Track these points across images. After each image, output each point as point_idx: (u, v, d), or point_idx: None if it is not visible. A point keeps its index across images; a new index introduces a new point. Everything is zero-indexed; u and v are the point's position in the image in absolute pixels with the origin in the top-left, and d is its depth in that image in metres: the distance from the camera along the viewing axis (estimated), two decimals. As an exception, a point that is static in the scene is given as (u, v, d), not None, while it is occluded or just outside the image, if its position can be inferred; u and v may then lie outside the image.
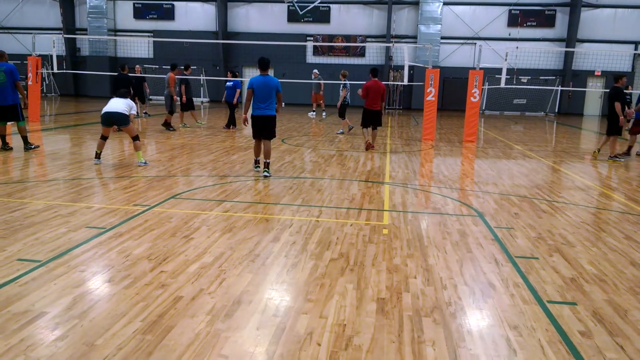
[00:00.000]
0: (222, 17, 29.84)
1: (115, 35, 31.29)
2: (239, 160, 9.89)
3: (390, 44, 23.37)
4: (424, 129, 14.54)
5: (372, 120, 11.87)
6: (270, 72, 8.75)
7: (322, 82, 20.28)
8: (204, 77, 28.25)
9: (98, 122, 11.92)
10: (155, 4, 30.78)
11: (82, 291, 3.77)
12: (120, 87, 13.10)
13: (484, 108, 28.18)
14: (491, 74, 25.40)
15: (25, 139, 10.18)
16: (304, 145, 12.46)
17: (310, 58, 30.21)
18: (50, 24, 31.31)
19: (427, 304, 3.74)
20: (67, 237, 5.02)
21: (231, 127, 15.55)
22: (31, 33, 21.98)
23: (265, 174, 8.34)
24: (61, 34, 30.53)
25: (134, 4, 30.98)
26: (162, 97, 18.86)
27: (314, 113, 21.34)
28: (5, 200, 6.25)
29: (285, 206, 6.47)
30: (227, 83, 15.70)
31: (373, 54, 29.50)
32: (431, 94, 14.25)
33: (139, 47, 31.21)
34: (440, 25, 28.42)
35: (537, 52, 26.93)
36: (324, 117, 20.99)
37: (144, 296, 3.70)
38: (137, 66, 19.93)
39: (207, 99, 29.97)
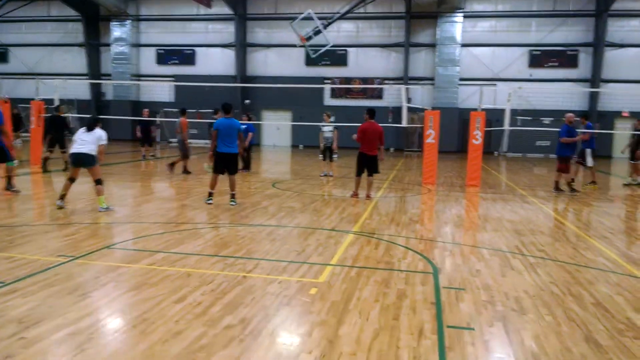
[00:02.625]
0: (241, 61, 30.21)
1: (139, 80, 32.05)
2: (212, 206, 9.43)
3: (406, 86, 22.97)
4: (424, 172, 13.86)
5: (367, 166, 10.68)
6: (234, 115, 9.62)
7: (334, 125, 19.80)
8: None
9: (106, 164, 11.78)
10: (177, 49, 31.48)
11: None
12: (55, 129, 13.72)
13: (505, 150, 27.26)
14: (512, 115, 24.65)
15: (8, 179, 10.04)
16: (292, 190, 11.95)
17: (328, 100, 30.08)
18: (78, 69, 32.37)
19: (300, 390, 3.09)
20: (-48, 294, 4.60)
21: (244, 170, 15.01)
22: (60, 78, 22.62)
23: (232, 203, 9.36)
24: (87, 78, 31.59)
25: (156, 50, 31.77)
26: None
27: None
28: None
29: (221, 259, 5.92)
30: (241, 126, 15.37)
31: (390, 95, 29.12)
32: (431, 137, 13.63)
33: (161, 91, 31.82)
34: (458, 67, 27.98)
35: (560, 92, 26.03)
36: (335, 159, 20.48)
37: (-30, 372, 3.19)
38: (145, 110, 20.06)
39: (224, 142, 30.05)
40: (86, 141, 8.57)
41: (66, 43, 32.48)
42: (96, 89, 32.13)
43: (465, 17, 28.01)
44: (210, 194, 9.58)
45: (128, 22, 31.13)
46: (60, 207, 8.56)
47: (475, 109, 13.91)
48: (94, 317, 4.12)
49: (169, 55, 31.65)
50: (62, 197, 8.72)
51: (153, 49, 31.83)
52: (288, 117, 30.12)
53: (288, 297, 4.72)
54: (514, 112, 23.23)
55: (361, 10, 27.86)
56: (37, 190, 11.36)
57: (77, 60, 32.31)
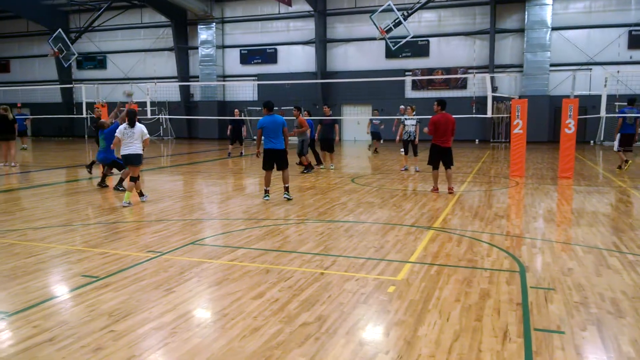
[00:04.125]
0: (321, 57, 30.39)
1: (224, 80, 33.19)
2: (292, 202, 9.54)
3: (492, 74, 22.06)
4: (512, 164, 13.21)
5: (443, 159, 10.42)
6: (276, 112, 9.97)
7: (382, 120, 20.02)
8: (306, 117, 28.71)
9: (189, 163, 12.40)
10: (260, 49, 32.26)
11: (11, 352, 3.56)
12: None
13: (601, 139, 25.44)
14: (610, 101, 22.92)
15: (120, 180, 10.91)
16: (372, 185, 11.84)
17: (409, 93, 29.56)
18: (168, 73, 34.09)
19: (375, 392, 3.02)
20: (53, 287, 4.97)
21: (318, 165, 15.15)
22: (152, 82, 23.95)
23: (286, 196, 9.62)
24: (177, 81, 33.17)
25: (240, 50, 32.74)
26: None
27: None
28: (33, 244, 6.44)
29: (299, 255, 5.95)
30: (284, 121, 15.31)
31: (475, 85, 28.06)
32: (518, 127, 12.96)
33: (245, 91, 32.77)
34: (549, 52, 26.43)
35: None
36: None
37: (65, 361, 3.40)
38: (236, 110, 20.62)
39: (306, 138, 30.41)
40: (132, 141, 9.04)
41: (157, 48, 34.29)
42: (185, 91, 33.65)
43: (555, -1, 26.39)
44: (266, 191, 9.73)
45: (213, 24, 32.30)
46: (144, 201, 9.30)
47: (567, 96, 13.04)
48: (177, 312, 4.27)
49: (252, 55, 32.51)
50: (141, 193, 9.46)
51: (237, 49, 32.83)
52: (368, 111, 29.92)
53: (365, 294, 4.65)
54: (612, 98, 21.59)
55: (443, -2, 27.06)
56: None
57: (168, 63, 34.02)
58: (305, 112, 15.69)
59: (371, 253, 6.03)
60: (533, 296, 4.60)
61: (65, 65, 32.34)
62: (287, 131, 9.52)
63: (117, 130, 9.22)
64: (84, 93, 18.92)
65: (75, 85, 30.96)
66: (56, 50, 29.71)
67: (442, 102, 10.52)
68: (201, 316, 4.27)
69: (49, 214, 8.47)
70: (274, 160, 9.58)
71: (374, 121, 20.04)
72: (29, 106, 35.89)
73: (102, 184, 11.34)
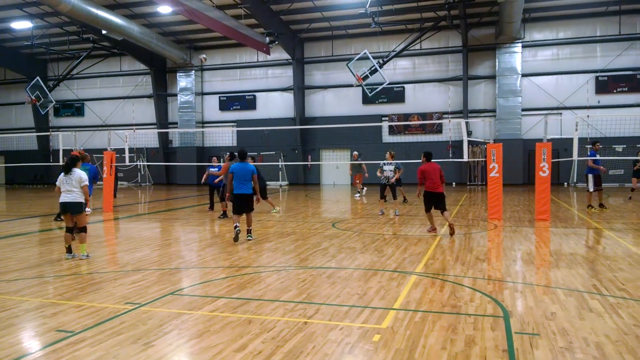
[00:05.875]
0: (300, 103, 30.86)
1: (203, 126, 33.33)
2: (272, 248, 9.47)
3: (466, 119, 22.59)
4: (489, 207, 13.39)
5: (436, 203, 10.93)
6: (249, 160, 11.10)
7: (363, 163, 20.03)
8: (282, 163, 28.91)
9: (167, 210, 12.25)
10: (239, 96, 32.66)
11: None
12: None
13: (574, 181, 26.02)
14: (581, 144, 23.60)
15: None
16: (352, 229, 11.83)
17: (386, 138, 30.06)
18: (147, 119, 34.14)
19: None
20: (27, 343, 4.78)
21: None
22: (130, 129, 23.92)
23: (249, 238, 10.35)
24: (156, 127, 33.20)
25: (219, 97, 33.08)
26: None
27: (359, 194, 21.18)
28: (6, 298, 6.22)
29: (282, 304, 5.85)
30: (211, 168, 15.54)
31: (451, 130, 28.71)
32: (494, 170, 13.22)
33: (224, 137, 32.91)
34: (520, 97, 27.33)
35: (633, 118, 24.72)
36: (363, 194, 21.17)
37: None
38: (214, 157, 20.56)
39: (286, 182, 30.49)
40: (70, 189, 8.57)
41: (137, 95, 34.48)
42: (164, 137, 33.66)
43: (524, 46, 27.51)
44: (236, 226, 10.13)
45: (193, 72, 32.70)
46: (70, 259, 8.58)
47: (540, 140, 13.40)
48: (157, 366, 4.13)
49: (231, 101, 32.86)
50: (69, 249, 8.68)
51: (216, 96, 33.18)
52: (347, 155, 30.23)
53: (350, 344, 4.57)
54: (583, 141, 22.29)
55: (417, 47, 27.97)
56: (109, 236, 11.84)
57: (147, 110, 34.15)
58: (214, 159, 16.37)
59: (355, 300, 5.97)
60: (518, 342, 4.58)
61: (43, 113, 32.25)
62: (256, 178, 10.30)
63: (58, 179, 8.77)
64: (61, 140, 18.77)
65: (52, 133, 30.73)
66: (33, 98, 29.67)
67: (427, 154, 11.20)
68: (182, 371, 4.14)
69: (22, 264, 8.23)
70: (243, 203, 10.29)
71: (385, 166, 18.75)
72: (4, 154, 35.44)
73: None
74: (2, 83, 37.40)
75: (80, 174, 8.69)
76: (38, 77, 30.17)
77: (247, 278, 7.19)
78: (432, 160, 11.04)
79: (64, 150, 18.74)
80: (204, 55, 24.91)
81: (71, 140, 19.85)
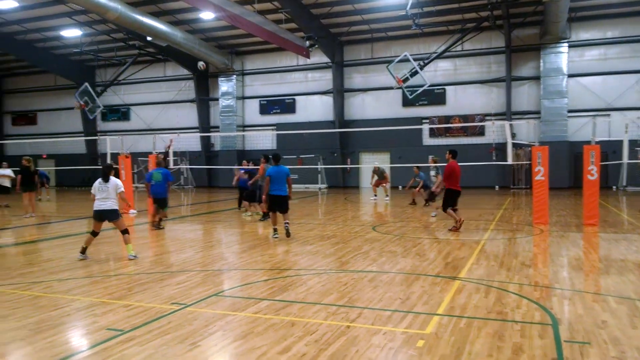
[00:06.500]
0: (339, 106, 30.86)
1: (244, 130, 33.77)
2: (313, 251, 9.51)
3: (510, 121, 22.14)
4: (535, 211, 13.06)
5: (456, 200, 11.82)
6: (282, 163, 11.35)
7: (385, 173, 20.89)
8: (322, 166, 29.00)
9: (209, 212, 12.52)
10: (279, 99, 32.94)
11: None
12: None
13: (624, 184, 25.08)
14: (631, 146, 22.73)
15: (160, 220, 13.03)
16: (393, 233, 11.75)
17: (427, 140, 29.72)
18: (190, 123, 34.85)
19: None
20: (78, 341, 4.95)
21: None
22: (174, 133, 24.48)
23: (286, 225, 10.85)
24: (198, 131, 33.83)
25: (259, 101, 33.45)
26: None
27: (376, 197, 21.36)
28: (57, 297, 6.46)
29: (324, 307, 5.87)
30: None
31: (493, 132, 28.11)
32: (540, 173, 12.88)
33: (264, 140, 33.25)
34: (566, 99, 26.53)
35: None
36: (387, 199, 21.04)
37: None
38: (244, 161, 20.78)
39: (325, 185, 30.55)
40: (107, 196, 8.71)
41: (180, 100, 35.21)
42: (206, 141, 34.27)
43: (570, 46, 26.72)
44: (275, 230, 11.10)
45: (234, 76, 33.19)
46: (83, 259, 8.81)
47: (588, 142, 13.00)
48: (203, 366, 4.21)
49: (271, 105, 33.18)
50: (84, 250, 8.91)
51: (256, 100, 33.56)
52: (386, 158, 30.06)
53: (394, 349, 4.54)
54: (633, 144, 21.45)
55: (458, 48, 27.58)
56: (153, 238, 12.13)
57: (189, 114, 34.83)
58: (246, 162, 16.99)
59: (397, 305, 5.92)
60: (568, 351, 4.45)
61: (91, 118, 33.39)
62: (290, 180, 10.98)
63: (92, 187, 8.94)
64: (109, 144, 19.36)
65: (100, 137, 31.75)
66: (82, 103, 30.75)
67: (454, 151, 11.80)
68: (227, 372, 4.20)
69: (73, 264, 8.52)
70: (279, 204, 10.91)
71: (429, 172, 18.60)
72: (55, 157, 36.83)
73: (158, 227, 12.87)
74: (53, 89, 38.88)
75: (116, 181, 8.89)
76: (86, 83, 31.25)
77: (288, 280, 7.24)
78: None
79: (111, 154, 19.33)
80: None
81: (118, 144, 20.44)
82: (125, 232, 9.02)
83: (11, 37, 31.83)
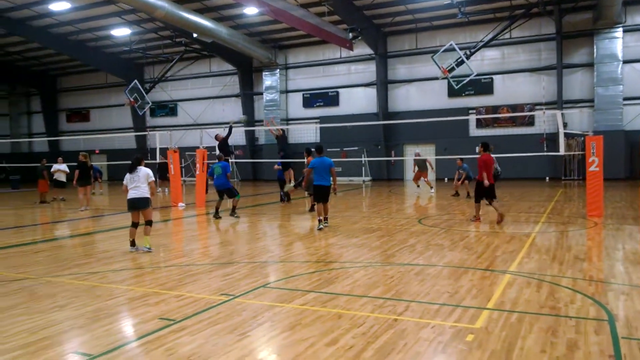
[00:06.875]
0: (383, 98, 30.61)
1: (288, 123, 33.97)
2: (359, 244, 9.49)
3: (562, 110, 21.38)
4: (588, 203, 12.60)
5: (487, 193, 11.67)
6: (326, 154, 11.79)
7: (428, 160, 20.76)
8: (365, 158, 28.87)
9: (254, 205, 12.78)
10: (322, 92, 32.95)
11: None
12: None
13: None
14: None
15: (234, 208, 13.79)
16: (439, 226, 11.59)
17: (474, 131, 29.11)
18: (234, 118, 35.29)
19: None
20: (133, 330, 5.11)
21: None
22: (220, 127, 24.93)
23: (325, 224, 11.28)
24: (243, 126, 34.25)
25: (303, 94, 33.57)
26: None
27: (419, 188, 21.43)
28: (113, 287, 6.70)
29: (370, 300, 5.85)
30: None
31: (544, 122, 27.24)
32: (594, 164, 12.41)
33: (308, 133, 33.34)
34: (621, 86, 25.40)
35: None
36: (432, 192, 20.54)
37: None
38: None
39: (369, 178, 30.41)
40: (138, 185, 8.96)
41: (225, 95, 35.77)
42: (251, 135, 34.68)
43: (625, 31, 25.54)
44: (320, 220, 11.34)
45: (277, 71, 33.42)
46: (133, 252, 9.02)
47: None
48: (253, 357, 4.28)
49: (314, 98, 33.24)
50: (132, 243, 9.12)
51: (300, 93, 33.69)
52: (432, 150, 29.62)
53: (443, 343, 4.48)
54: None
55: (506, 35, 26.83)
56: (201, 230, 12.40)
57: (235, 109, 35.31)
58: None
59: (445, 298, 5.84)
60: (626, 348, 4.28)
61: (140, 114, 34.36)
62: (334, 171, 11.31)
63: (124, 178, 9.26)
64: (158, 139, 19.87)
65: (149, 132, 32.65)
66: (132, 99, 31.66)
67: (485, 144, 11.83)
68: (276, 362, 4.25)
69: (126, 256, 8.81)
70: (323, 194, 11.29)
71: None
72: (107, 152, 38.10)
73: (217, 216, 13.59)
74: (104, 87, 40.22)
75: (146, 171, 9.15)
76: (136, 80, 32.13)
77: (334, 273, 7.26)
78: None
79: (160, 148, 19.85)
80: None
81: (166, 139, 20.95)
82: (149, 223, 9.19)
83: (64, 37, 33.05)
